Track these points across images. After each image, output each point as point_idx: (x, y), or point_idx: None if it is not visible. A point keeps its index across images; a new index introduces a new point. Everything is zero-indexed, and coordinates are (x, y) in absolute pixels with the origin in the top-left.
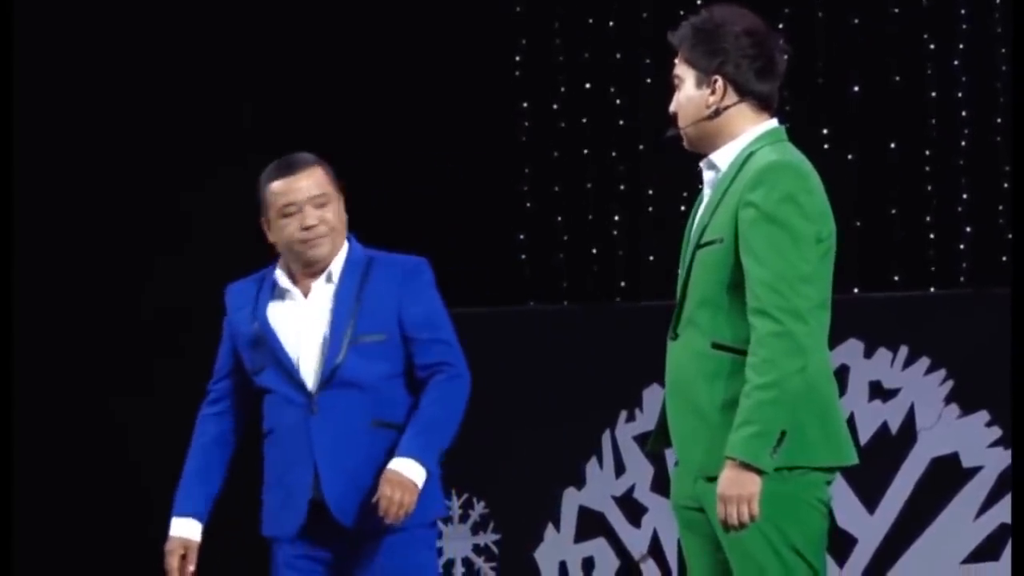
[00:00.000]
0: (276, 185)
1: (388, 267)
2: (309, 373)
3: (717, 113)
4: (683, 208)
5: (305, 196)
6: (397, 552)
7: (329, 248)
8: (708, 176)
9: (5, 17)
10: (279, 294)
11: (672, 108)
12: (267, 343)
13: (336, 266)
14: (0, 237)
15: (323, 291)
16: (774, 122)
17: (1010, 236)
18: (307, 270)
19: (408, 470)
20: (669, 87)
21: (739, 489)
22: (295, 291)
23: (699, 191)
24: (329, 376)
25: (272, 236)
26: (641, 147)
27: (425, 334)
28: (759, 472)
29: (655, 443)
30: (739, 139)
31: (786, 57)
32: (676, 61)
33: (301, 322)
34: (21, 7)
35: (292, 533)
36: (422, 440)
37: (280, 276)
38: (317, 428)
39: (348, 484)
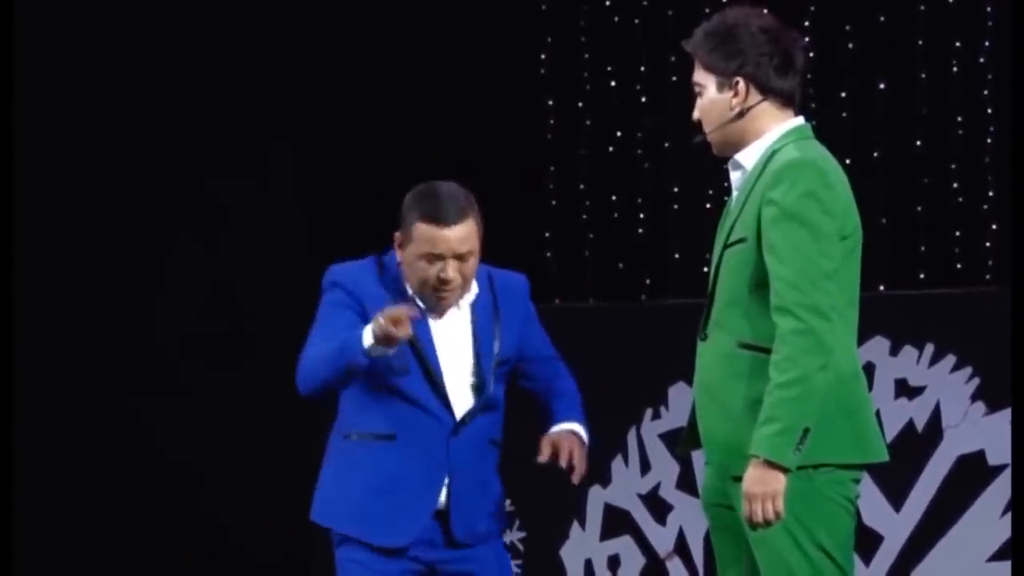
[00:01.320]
0: (427, 229)
1: (508, 287)
2: (458, 395)
3: (742, 114)
4: (709, 206)
5: (452, 251)
6: (492, 560)
7: (456, 300)
8: (735, 176)
9: (5, 17)
10: (416, 306)
11: (696, 115)
12: (419, 351)
13: (468, 298)
14: (6, 236)
15: (457, 316)
16: (799, 120)
17: (992, 228)
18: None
19: (583, 434)
20: (692, 92)
21: (763, 487)
22: (426, 321)
23: (727, 189)
24: (478, 403)
25: (404, 260)
26: (667, 145)
27: (546, 351)
28: (783, 470)
29: (685, 444)
30: (764, 138)
31: (804, 50)
32: (694, 68)
33: (445, 340)
34: (21, 7)
35: (404, 543)
36: (580, 415)
37: (411, 290)
38: (457, 448)
39: (471, 500)
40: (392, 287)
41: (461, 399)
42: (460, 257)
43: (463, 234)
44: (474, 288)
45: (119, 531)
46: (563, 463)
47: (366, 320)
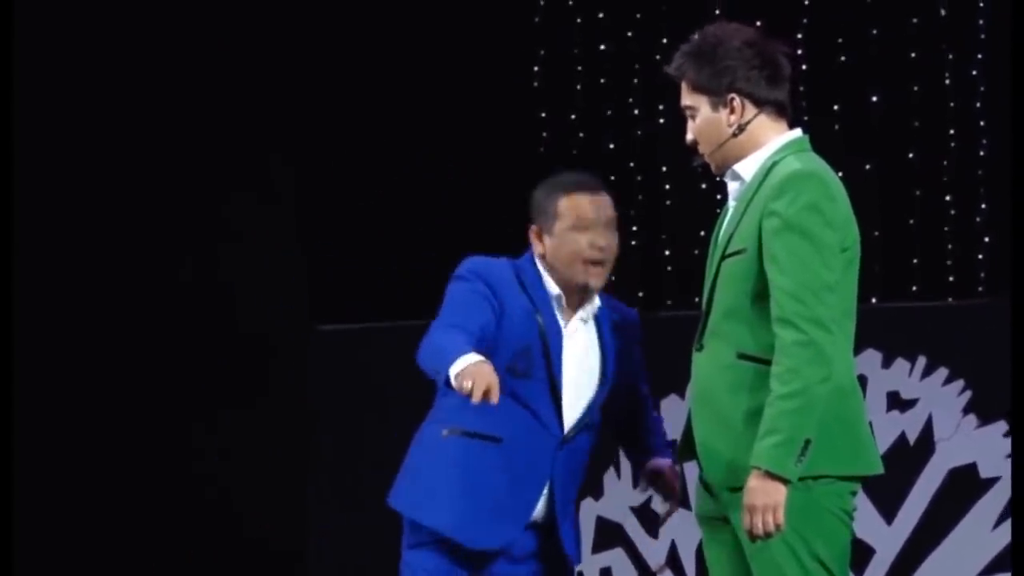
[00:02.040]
0: (575, 199)
1: (626, 317)
2: (571, 411)
3: (741, 129)
4: (702, 219)
5: (604, 216)
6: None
7: (603, 281)
8: (732, 187)
9: (5, 18)
10: (550, 314)
11: (690, 138)
12: (548, 360)
13: (593, 307)
14: (5, 240)
15: (584, 331)
16: (797, 132)
17: (984, 241)
18: (573, 297)
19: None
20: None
21: (764, 498)
22: (560, 318)
23: (720, 201)
24: (585, 421)
25: (549, 248)
26: (660, 157)
27: (645, 389)
28: (784, 481)
29: (681, 455)
30: (763, 149)
31: (789, 57)
32: (683, 92)
33: (571, 351)
34: (21, 7)
35: (498, 546)
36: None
37: (554, 293)
38: (562, 462)
39: (568, 515)
40: (530, 291)
41: (572, 415)
42: (609, 227)
43: (608, 203)
44: (597, 300)
45: (117, 532)
46: (664, 496)
47: (502, 315)
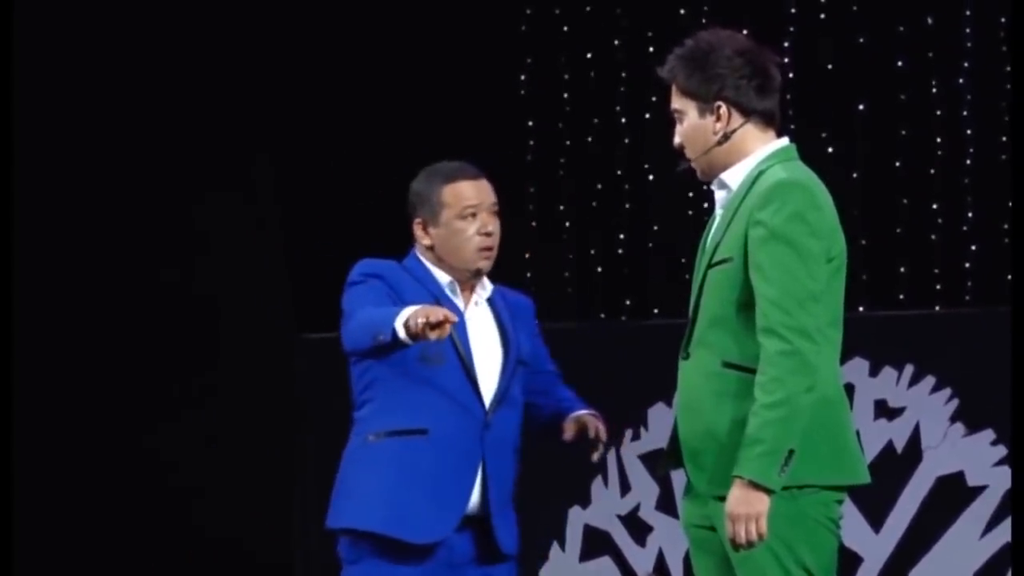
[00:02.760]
0: (460, 185)
1: (517, 300)
2: (487, 390)
3: (726, 138)
4: (689, 226)
5: (488, 201)
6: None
7: (491, 264)
8: (719, 196)
9: (5, 18)
10: (446, 299)
11: (677, 142)
12: (455, 342)
13: (487, 290)
14: (6, 244)
15: (481, 311)
16: (784, 140)
17: (971, 249)
18: (465, 283)
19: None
20: (671, 116)
21: (747, 508)
22: (459, 303)
23: (707, 209)
24: (502, 396)
25: (437, 239)
26: (647, 165)
27: (549, 366)
28: (767, 491)
29: (666, 464)
30: (749, 158)
31: (780, 68)
32: (673, 96)
33: (475, 333)
34: (21, 7)
35: (434, 539)
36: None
37: (446, 282)
38: (491, 444)
39: (502, 505)
40: (424, 286)
41: (488, 392)
42: (493, 213)
43: (490, 188)
44: (487, 284)
45: (100, 543)
46: (591, 434)
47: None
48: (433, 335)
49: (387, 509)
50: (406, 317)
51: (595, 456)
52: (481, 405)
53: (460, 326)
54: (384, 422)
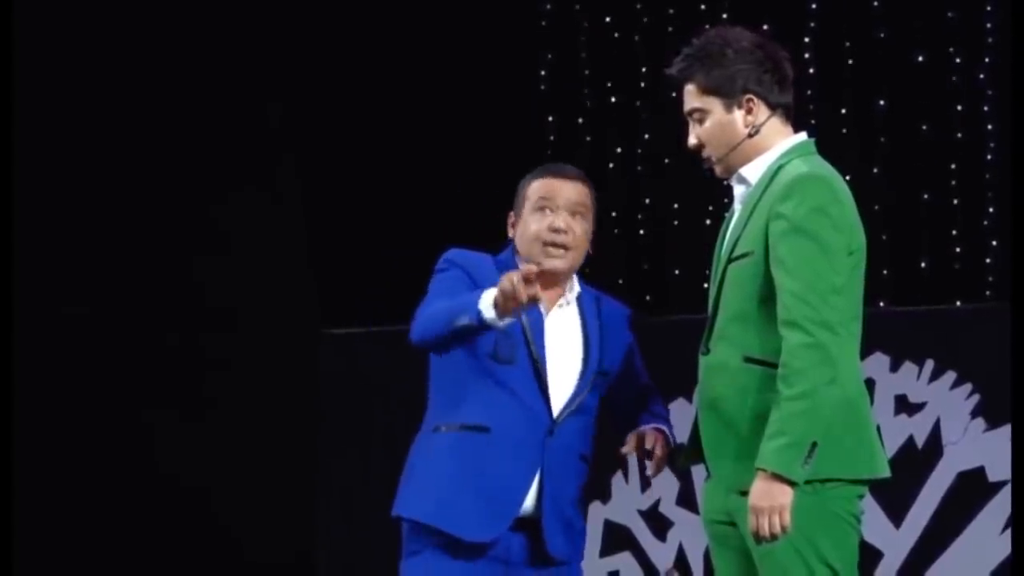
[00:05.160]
0: (541, 181)
1: (615, 311)
2: (557, 393)
3: (756, 131)
4: (709, 222)
5: (565, 199)
6: None
7: (565, 264)
8: (739, 191)
9: (5, 18)
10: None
11: (694, 142)
12: (528, 340)
13: (573, 293)
14: (6, 243)
15: (565, 315)
16: (803, 135)
17: (992, 244)
18: (547, 282)
19: (668, 431)
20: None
21: (770, 500)
22: (543, 305)
23: (726, 205)
24: (573, 404)
25: (517, 232)
26: (667, 161)
27: (644, 379)
28: (790, 483)
29: (686, 459)
30: (769, 153)
31: (792, 63)
32: (689, 95)
33: (553, 335)
34: (21, 8)
35: (483, 540)
36: (667, 422)
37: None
38: (553, 450)
39: (562, 511)
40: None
41: (559, 398)
42: (573, 212)
43: (577, 190)
44: (576, 286)
45: (120, 538)
46: (647, 445)
47: None
48: (525, 292)
49: (440, 503)
50: (492, 297)
51: (650, 471)
52: (548, 410)
53: (538, 327)
54: (452, 415)
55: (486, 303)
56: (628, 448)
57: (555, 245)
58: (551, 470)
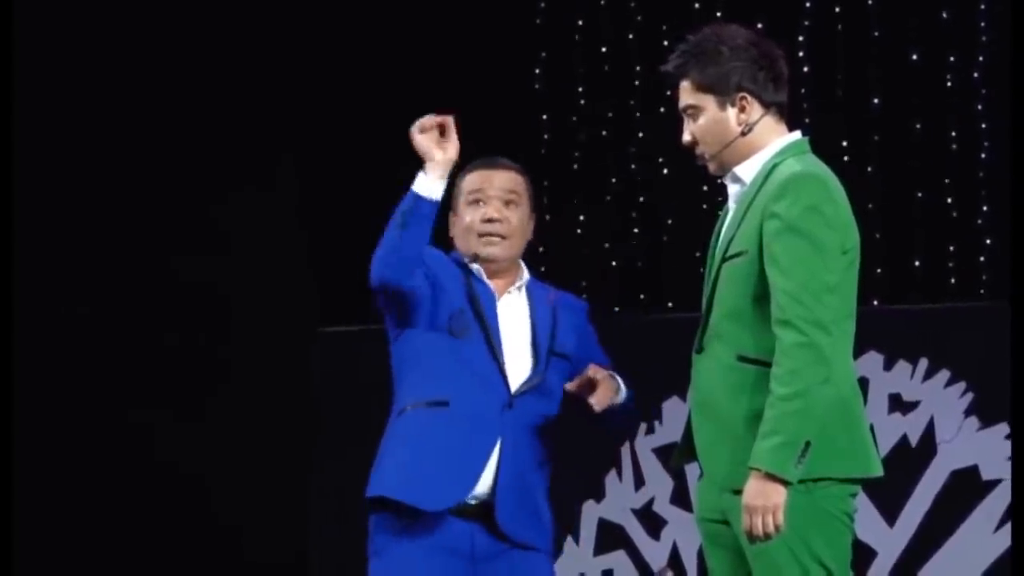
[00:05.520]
0: (472, 175)
1: (568, 301)
2: (514, 370)
3: (750, 129)
4: (703, 220)
5: (497, 189)
6: (534, 569)
7: (503, 252)
8: (733, 190)
9: (5, 19)
10: (479, 282)
11: (687, 139)
12: (481, 316)
13: (523, 279)
14: (6, 243)
15: (516, 299)
16: (797, 134)
17: (986, 243)
18: (493, 271)
19: (619, 379)
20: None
21: (764, 500)
22: (492, 291)
23: (721, 203)
24: (531, 381)
25: (454, 228)
26: (661, 159)
27: (605, 363)
28: (784, 483)
29: (679, 457)
30: (763, 152)
31: (786, 61)
32: (683, 92)
33: (506, 317)
34: (21, 8)
35: (443, 507)
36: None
37: (478, 270)
38: (511, 425)
39: (519, 489)
40: (461, 270)
41: (517, 375)
42: (506, 201)
43: (509, 178)
44: (525, 274)
45: (115, 537)
46: (590, 374)
47: (435, 286)
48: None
49: (401, 477)
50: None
51: (596, 404)
52: (505, 383)
53: (490, 305)
54: (415, 394)
55: (417, 181)
56: (572, 385)
57: (490, 235)
58: (509, 444)
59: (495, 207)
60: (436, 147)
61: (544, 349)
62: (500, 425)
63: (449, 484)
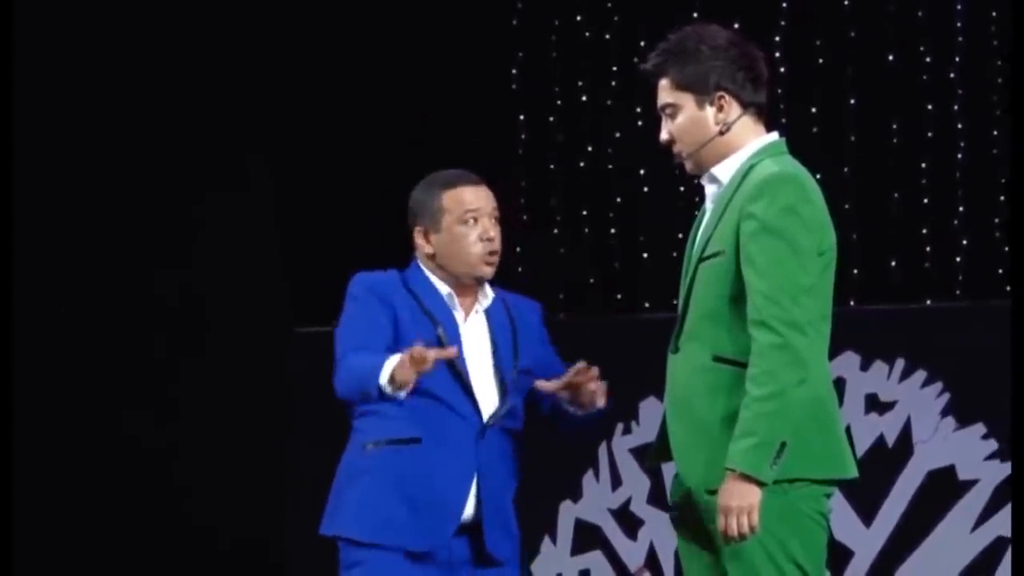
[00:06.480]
0: (461, 191)
1: (521, 306)
2: (483, 396)
3: (728, 128)
4: (680, 220)
5: (489, 207)
6: None
7: (494, 270)
8: (710, 190)
9: (5, 19)
10: (444, 310)
11: (665, 138)
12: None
13: (488, 299)
14: (3, 244)
15: (480, 321)
16: (774, 135)
17: (1007, 248)
18: (466, 290)
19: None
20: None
21: (739, 500)
22: (459, 313)
23: (698, 204)
24: (501, 406)
25: (438, 246)
26: (637, 159)
27: (560, 369)
28: (759, 483)
29: (655, 457)
30: (740, 152)
31: (767, 63)
32: (662, 90)
33: (469, 342)
34: (21, 8)
35: (434, 546)
36: None
37: (445, 292)
38: (486, 453)
39: (500, 512)
40: (419, 293)
41: (486, 401)
42: (494, 219)
43: (491, 195)
44: (489, 293)
45: (107, 535)
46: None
47: (397, 328)
48: (419, 362)
49: (382, 520)
50: (391, 371)
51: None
52: (477, 413)
53: (455, 334)
54: (380, 431)
55: (384, 378)
56: (548, 386)
57: (492, 254)
58: (486, 473)
59: (490, 225)
60: (414, 369)
61: (509, 371)
62: (476, 456)
63: (433, 524)
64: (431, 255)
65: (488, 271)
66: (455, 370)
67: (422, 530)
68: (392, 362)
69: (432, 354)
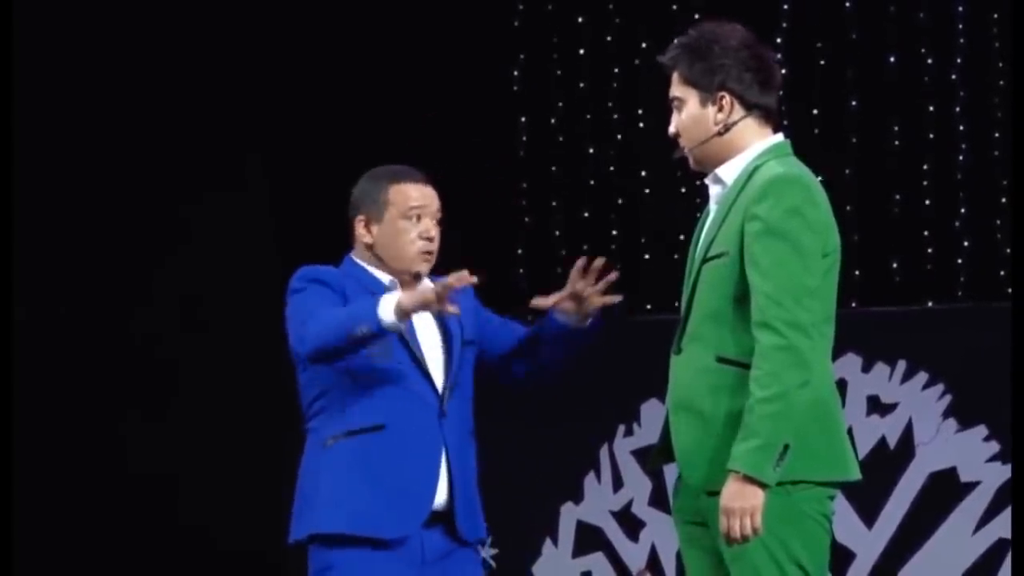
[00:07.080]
0: (405, 187)
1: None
2: (439, 377)
3: (727, 129)
4: (681, 222)
5: (433, 206)
6: (469, 565)
7: (430, 268)
8: (714, 191)
9: (5, 19)
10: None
11: (672, 130)
12: (404, 339)
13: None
14: (3, 244)
15: None
16: (779, 136)
17: (1009, 250)
18: (405, 282)
19: None
20: (667, 103)
21: (742, 502)
22: None
23: (700, 205)
24: (454, 382)
25: (378, 236)
26: (639, 161)
27: (505, 323)
28: (762, 485)
29: (657, 459)
30: (745, 153)
31: (779, 66)
32: (673, 83)
33: (423, 330)
34: (21, 9)
35: (405, 534)
36: None
37: (387, 281)
38: (449, 432)
39: (465, 491)
40: (365, 287)
41: (440, 379)
42: (436, 219)
43: (436, 196)
44: (426, 282)
45: (103, 534)
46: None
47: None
48: (442, 306)
49: (352, 509)
50: (393, 301)
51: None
52: (436, 394)
53: (408, 321)
54: (339, 424)
55: (386, 310)
56: (546, 301)
57: (429, 252)
58: (453, 452)
59: (431, 225)
60: (441, 304)
61: (457, 346)
62: (441, 436)
63: (407, 510)
64: (370, 245)
65: (425, 267)
66: (409, 351)
67: (397, 517)
68: (394, 295)
69: (452, 279)
